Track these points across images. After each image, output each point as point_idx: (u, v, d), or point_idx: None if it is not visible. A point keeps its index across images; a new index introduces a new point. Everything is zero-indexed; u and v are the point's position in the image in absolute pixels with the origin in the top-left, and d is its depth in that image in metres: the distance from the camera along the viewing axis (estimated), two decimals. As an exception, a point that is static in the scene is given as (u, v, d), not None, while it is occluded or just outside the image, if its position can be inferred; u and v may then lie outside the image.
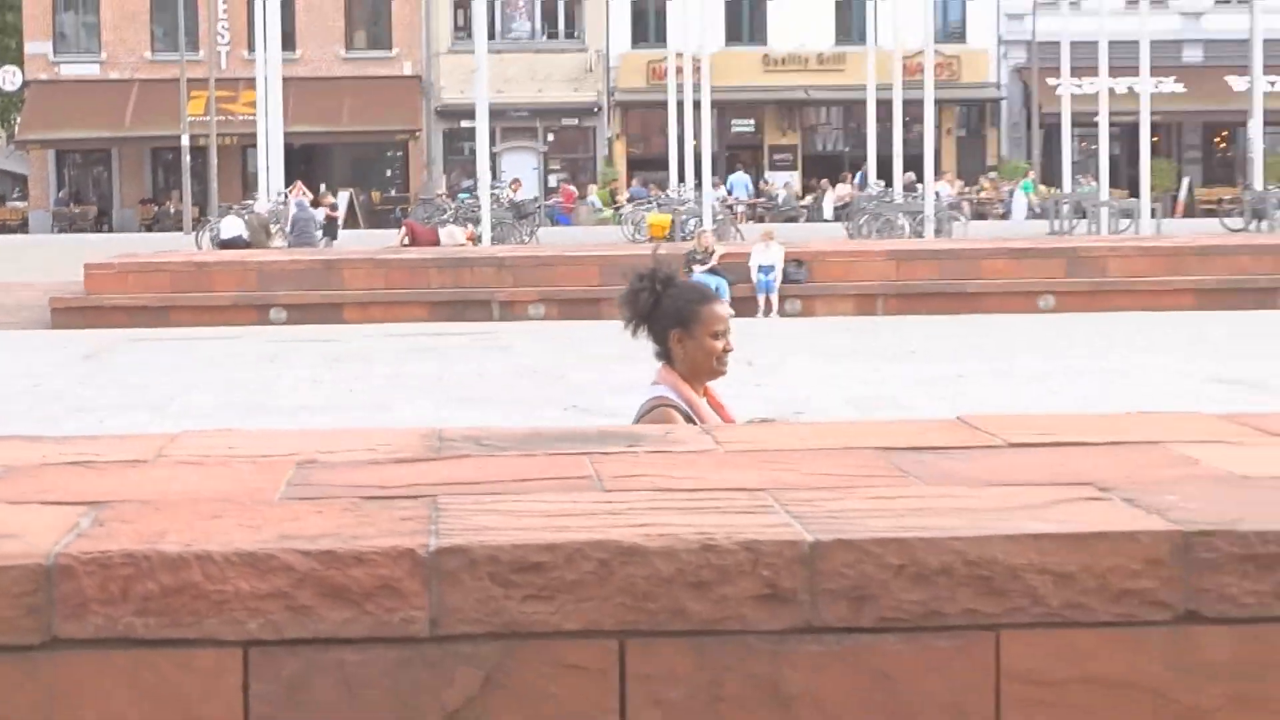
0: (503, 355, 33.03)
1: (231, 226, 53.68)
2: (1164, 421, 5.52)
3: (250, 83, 63.24)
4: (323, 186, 70.53)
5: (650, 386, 8.14)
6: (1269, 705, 3.76)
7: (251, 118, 61.90)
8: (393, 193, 78.10)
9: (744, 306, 42.45)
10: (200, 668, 3.61)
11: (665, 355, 8.15)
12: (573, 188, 76.57)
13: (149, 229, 74.29)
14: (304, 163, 70.37)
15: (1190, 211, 67.81)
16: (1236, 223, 57.05)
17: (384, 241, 54.91)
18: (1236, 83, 66.85)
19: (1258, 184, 58.10)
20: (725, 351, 8.15)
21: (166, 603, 3.60)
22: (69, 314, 41.44)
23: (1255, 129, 59.29)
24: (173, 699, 3.61)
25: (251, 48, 63.31)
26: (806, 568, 3.68)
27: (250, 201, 58.96)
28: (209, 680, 3.61)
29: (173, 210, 76.73)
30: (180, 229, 67.97)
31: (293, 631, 3.61)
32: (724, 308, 8.29)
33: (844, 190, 68.41)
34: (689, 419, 7.63)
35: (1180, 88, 72.36)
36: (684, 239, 49.82)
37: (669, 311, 8.10)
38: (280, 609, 3.61)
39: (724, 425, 7.30)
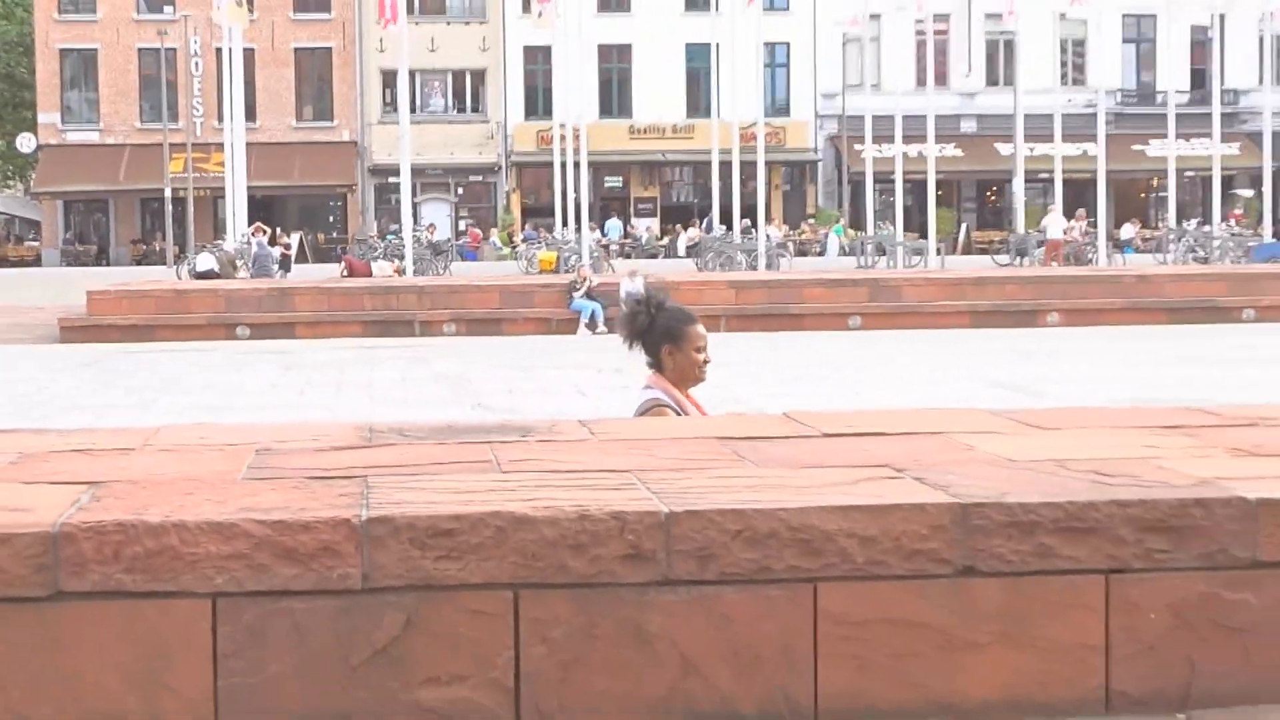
0: (422, 365, 32.91)
1: (205, 261, 53.44)
2: (947, 417, 5.54)
3: (219, 146, 63.13)
4: (278, 229, 70.24)
5: (644, 390, 8.10)
6: (1028, 640, 3.78)
7: (220, 174, 61.78)
8: (334, 234, 77.86)
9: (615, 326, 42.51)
10: (177, 615, 3.60)
11: (657, 365, 8.11)
12: (478, 230, 76.47)
13: (139, 263, 73.86)
14: (263, 210, 70.10)
15: (968, 250, 68.16)
16: (1004, 259, 57.38)
17: (327, 273, 54.82)
18: (1003, 148, 67.19)
19: (1020, 228, 58.50)
20: (705, 362, 8.13)
21: (150, 562, 3.59)
22: (74, 331, 41.23)
23: (1018, 185, 59.68)
24: (155, 640, 3.60)
25: (220, 119, 63.11)
26: (663, 533, 3.69)
27: (220, 241, 58.70)
28: (184, 625, 3.60)
29: (158, 248, 76.30)
30: (164, 263, 67.57)
31: (252, 585, 3.60)
32: (702, 329, 8.24)
33: (693, 233, 68.44)
34: (678, 414, 7.67)
35: (959, 152, 72.72)
36: (566, 272, 49.82)
37: (662, 330, 8.08)
38: (242, 567, 3.60)
39: (697, 418, 7.38)
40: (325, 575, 3.62)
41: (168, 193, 72.66)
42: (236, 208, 57.00)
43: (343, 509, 3.72)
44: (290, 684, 3.62)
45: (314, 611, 3.62)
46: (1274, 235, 58.99)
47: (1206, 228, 59.00)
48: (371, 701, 3.63)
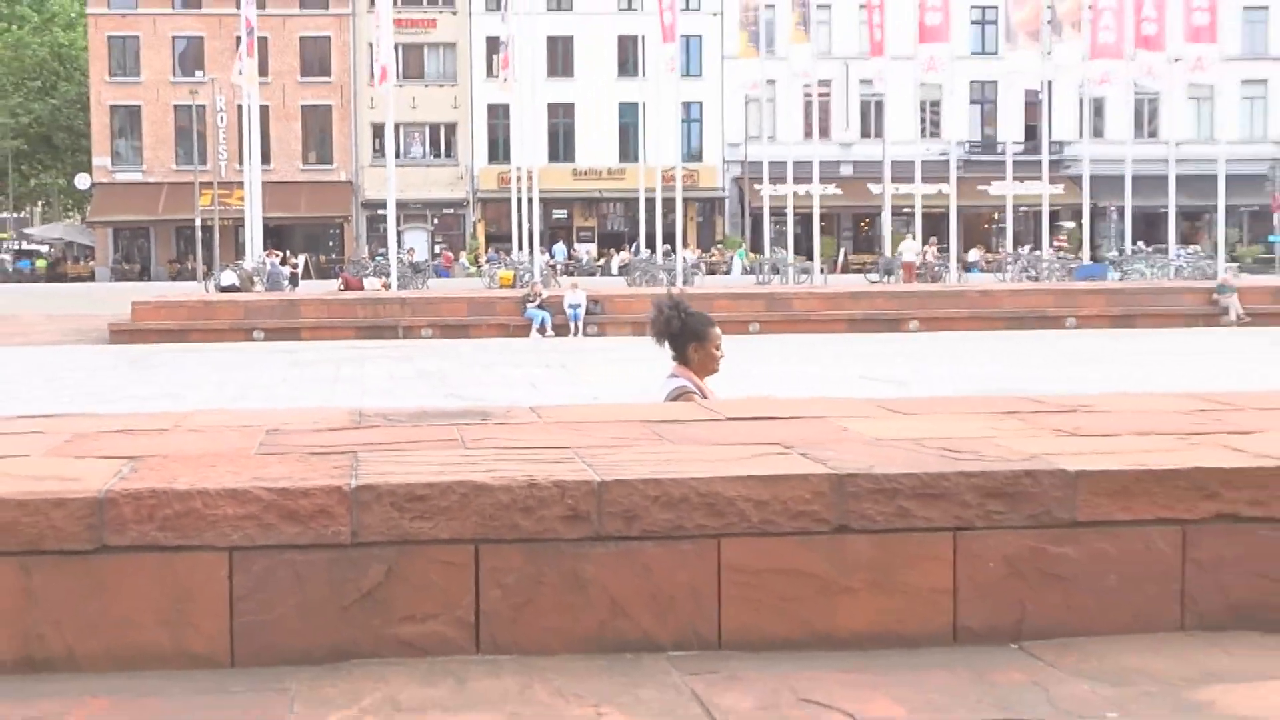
0: (405, 362, 32.85)
1: (228, 278, 53.26)
2: (827, 404, 5.54)
3: (240, 185, 62.97)
4: (288, 252, 70.22)
5: (670, 378, 8.17)
6: (891, 585, 3.78)
7: (241, 207, 61.60)
8: (333, 256, 77.54)
9: (561, 330, 42.45)
10: (200, 565, 3.58)
11: (683, 359, 8.20)
12: (450, 253, 76.38)
13: (174, 279, 73.48)
14: (275, 236, 70.02)
15: (845, 270, 68.32)
16: (875, 277, 57.51)
17: (327, 288, 54.65)
18: (874, 188, 67.32)
19: (887, 252, 58.69)
20: (721, 357, 8.24)
21: (178, 522, 3.57)
22: (121, 334, 41.03)
23: (886, 217, 59.86)
24: (183, 586, 3.58)
25: (241, 162, 62.84)
26: (596, 498, 3.69)
27: (241, 261, 58.52)
28: (206, 574, 3.58)
29: (189, 267, 75.83)
30: (194, 279, 67.22)
31: (261, 541, 3.58)
32: (718, 330, 8.38)
33: (624, 255, 68.47)
34: (701, 397, 7.75)
35: (838, 191, 72.91)
36: (522, 287, 49.73)
37: (689, 330, 8.19)
38: (253, 526, 3.58)
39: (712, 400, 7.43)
40: (321, 532, 3.60)
41: (198, 222, 72.36)
42: (254, 234, 57.01)
43: (336, 478, 3.71)
44: (292, 622, 3.60)
45: (312, 562, 3.60)
46: (1091, 258, 59.29)
47: (1037, 252, 59.22)
48: (359, 636, 3.62)
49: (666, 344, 8.21)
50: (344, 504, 3.61)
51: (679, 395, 7.85)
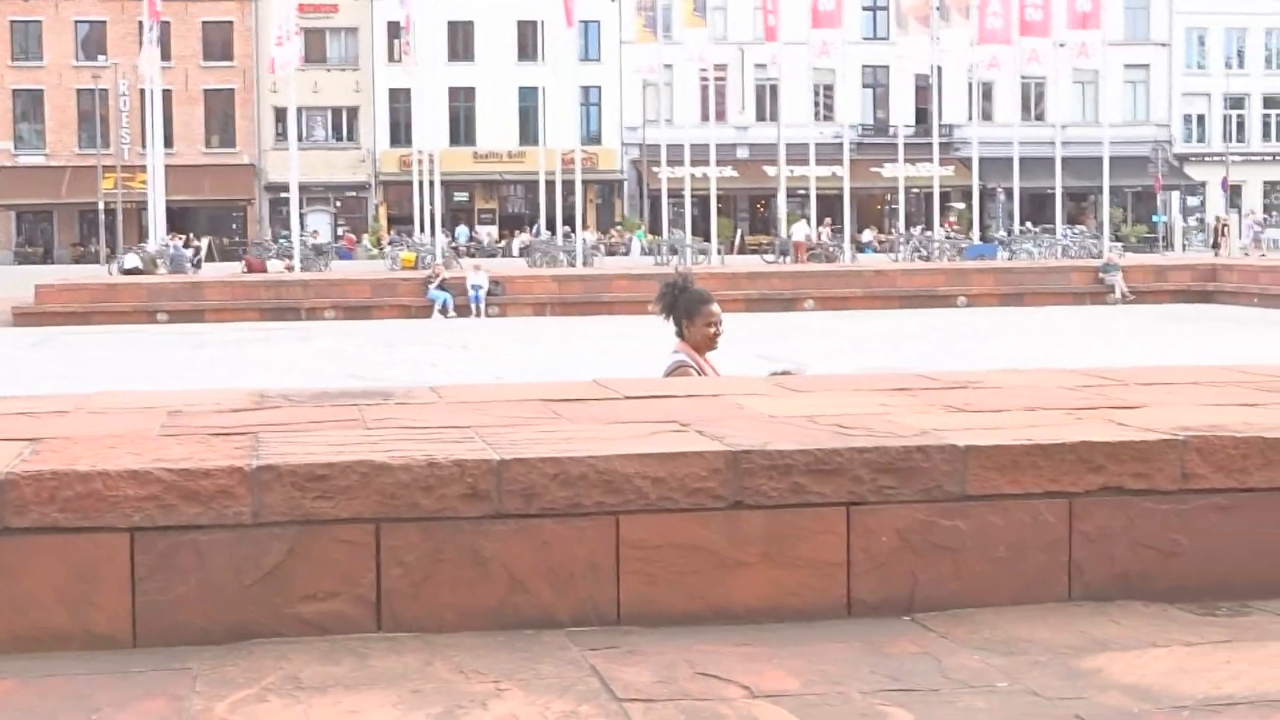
0: (307, 343, 32.69)
1: (131, 260, 52.71)
2: (723, 382, 5.55)
3: (143, 168, 62.38)
4: (191, 235, 69.66)
5: (672, 354, 8.29)
6: (785, 559, 3.79)
7: (144, 191, 61.08)
8: (236, 239, 76.85)
9: (463, 311, 42.33)
10: (102, 546, 3.54)
11: (680, 334, 8.33)
12: (352, 235, 75.97)
13: (77, 263, 72.53)
14: (179, 220, 69.38)
15: (742, 250, 68.36)
16: (771, 258, 57.64)
17: (231, 270, 54.22)
18: (770, 170, 67.45)
19: (783, 233, 58.86)
20: (716, 335, 8.32)
21: (80, 504, 3.53)
22: (25, 317, 40.58)
23: (781, 199, 60.09)
24: (85, 567, 3.53)
25: (144, 146, 62.19)
26: (496, 476, 3.67)
27: (144, 244, 57.97)
28: (108, 554, 3.54)
29: (93, 250, 75.00)
30: (98, 262, 66.50)
31: (163, 521, 3.55)
32: (717, 307, 8.46)
33: (525, 237, 68.26)
34: (699, 373, 7.91)
35: (735, 173, 73.01)
36: (424, 268, 49.50)
37: (683, 308, 8.32)
38: (154, 507, 3.55)
39: (714, 377, 7.54)
40: (222, 513, 3.57)
41: (101, 205, 71.66)
42: (157, 217, 56.60)
43: (237, 459, 3.68)
44: (194, 601, 3.57)
45: (213, 542, 3.57)
46: (981, 238, 59.73)
47: (928, 233, 59.62)
48: (261, 615, 3.59)
49: (670, 320, 8.33)
50: (245, 484, 3.58)
51: (675, 370, 7.95)
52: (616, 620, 3.72)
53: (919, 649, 3.56)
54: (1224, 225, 68.01)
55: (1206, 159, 78.41)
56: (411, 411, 4.67)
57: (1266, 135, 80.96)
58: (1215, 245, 67.22)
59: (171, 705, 3.16)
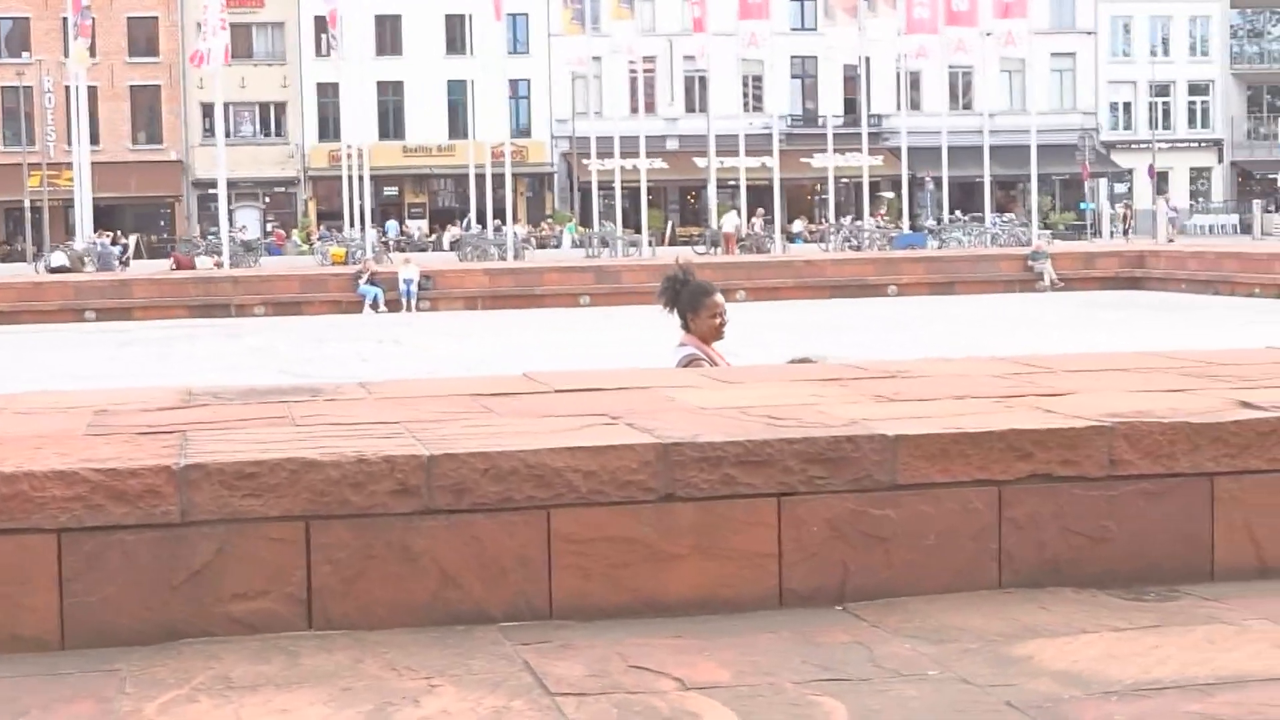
0: (237, 340, 32.54)
1: (58, 258, 52.33)
2: (654, 375, 5.55)
3: (69, 165, 61.84)
4: (118, 232, 69.11)
5: (678, 346, 8.28)
6: (717, 550, 3.79)
7: (70, 188, 60.55)
8: (164, 236, 76.24)
9: (394, 306, 42.22)
10: (30, 547, 3.50)
11: (686, 326, 8.32)
12: (282, 231, 75.56)
13: (3, 261, 71.97)
14: (106, 217, 68.84)
15: (673, 242, 68.35)
16: (701, 249, 57.71)
17: (159, 267, 53.87)
18: (699, 161, 67.48)
19: (714, 225, 58.95)
20: (721, 325, 8.29)
21: (6, 505, 3.50)
22: (-51, 317, 40.28)
23: (711, 190, 60.18)
24: (12, 569, 3.50)
25: (69, 142, 61.72)
26: (426, 472, 3.66)
27: (71, 242, 57.55)
28: (36, 555, 3.51)
29: (19, 248, 74.33)
30: (24, 261, 65.96)
31: (90, 522, 3.52)
32: (720, 297, 8.43)
33: (455, 231, 68.02)
34: (709, 364, 7.86)
35: (665, 165, 72.96)
36: (354, 263, 49.32)
37: (686, 300, 8.29)
38: (81, 507, 3.52)
39: (722, 368, 7.48)
40: (150, 512, 3.55)
41: (26, 203, 71.00)
42: (83, 215, 56.23)
43: (164, 458, 3.65)
44: (123, 602, 3.55)
45: (141, 542, 3.55)
46: (911, 228, 59.99)
47: (858, 222, 59.85)
48: (190, 614, 3.57)
49: (674, 312, 8.35)
50: (172, 483, 3.56)
51: (687, 363, 7.95)
52: (549, 614, 3.72)
53: (851, 638, 3.57)
54: (1129, 212, 68.79)
55: (1133, 146, 78.97)
56: (341, 408, 4.65)
57: (1192, 122, 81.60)
58: (1125, 233, 67.78)
59: (100, 707, 3.13)
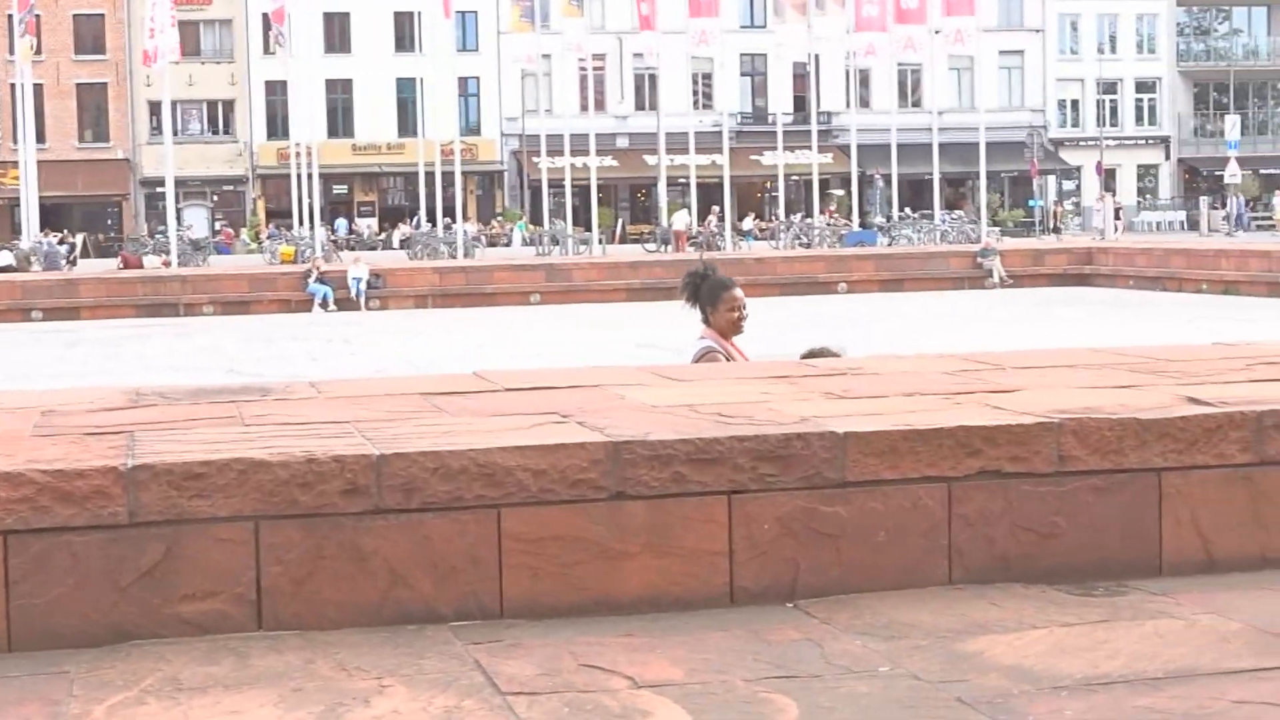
0: (186, 339, 32.40)
1: (4, 258, 52.01)
2: (604, 372, 5.55)
3: (15, 164, 61.54)
4: (65, 231, 68.73)
5: (699, 340, 8.41)
6: (668, 549, 3.79)
7: (16, 187, 60.18)
8: (112, 235, 75.86)
9: (344, 305, 42.09)
10: (-25, 549, 3.49)
11: (706, 320, 8.45)
12: (230, 230, 75.25)
13: (-51, 260, 71.63)
14: (53, 216, 68.46)
15: (624, 240, 68.37)
16: (652, 247, 57.71)
17: (107, 267, 53.57)
18: (650, 159, 67.49)
19: (664, 222, 58.96)
20: (739, 319, 8.43)
21: (-50, 507, 3.48)
22: (-105, 317, 40.01)
23: (662, 188, 60.18)
24: (-43, 570, 3.49)
25: (15, 141, 61.35)
26: (375, 471, 3.66)
27: (17, 241, 57.19)
28: (-19, 557, 3.50)
29: (-36, 248, 74.02)
30: (-30, 260, 65.58)
31: (37, 523, 3.50)
32: (739, 292, 8.55)
33: (405, 229, 67.86)
34: (727, 358, 8.02)
35: (615, 163, 72.95)
36: (303, 262, 49.16)
37: (705, 295, 8.42)
38: (28, 509, 3.50)
39: (740, 362, 7.73)
40: (98, 513, 3.53)
41: (-28, 202, 70.64)
42: (30, 214, 55.89)
43: (112, 459, 3.63)
44: (70, 603, 3.53)
45: (89, 543, 3.53)
46: (861, 225, 60.14)
47: (809, 220, 59.94)
48: (139, 616, 3.55)
49: (694, 307, 8.45)
50: (120, 484, 3.54)
51: (703, 356, 8.07)
52: (500, 614, 3.72)
53: (801, 635, 3.57)
54: (1059, 209, 69.27)
55: (1081, 143, 79.34)
56: (290, 407, 4.64)
57: (1139, 119, 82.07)
58: (1055, 230, 68.18)
59: (47, 710, 3.12)
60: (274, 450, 3.70)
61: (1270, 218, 71.97)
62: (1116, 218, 64.61)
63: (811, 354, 7.66)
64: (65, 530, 3.52)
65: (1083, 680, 3.20)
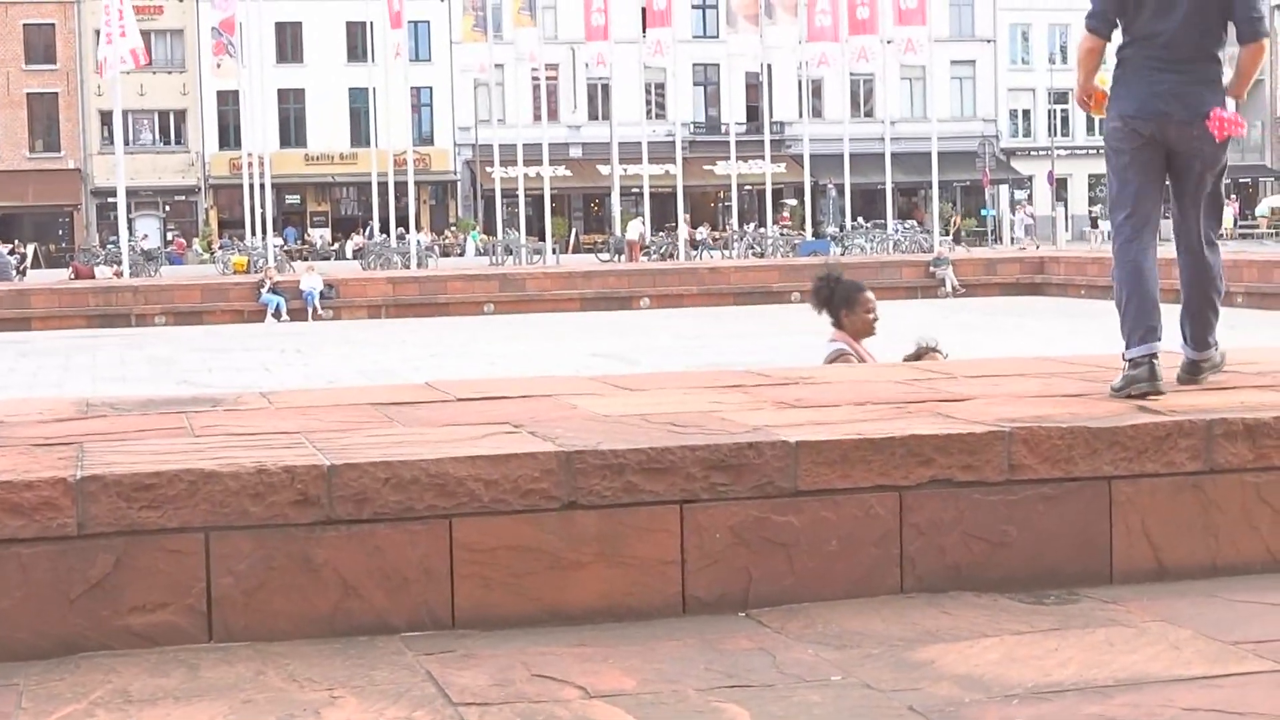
0: (137, 350, 32.18)
1: (-46, 269, 51.69)
2: (557, 382, 5.55)
3: (-36, 174, 61.19)
4: (16, 241, 68.41)
5: (830, 342, 8.42)
6: (620, 558, 3.79)
7: (-34, 197, 59.91)
8: (63, 245, 75.53)
9: (296, 315, 41.96)
10: (-78, 562, 3.46)
11: (838, 324, 8.46)
12: (183, 240, 74.96)
13: (-102, 271, 71.15)
14: (4, 226, 68.23)
15: (577, 249, 68.28)
16: (606, 256, 57.62)
17: (58, 277, 53.27)
18: (603, 169, 67.46)
19: (618, 232, 58.95)
20: (874, 320, 8.47)
21: (-103, 519, 3.45)
22: None
23: (615, 198, 60.15)
24: (-96, 583, 3.46)
25: (-35, 151, 61.06)
26: (326, 482, 3.64)
27: (-33, 252, 56.92)
28: (-72, 570, 3.47)
29: (-86, 258, 73.56)
30: (-81, 271, 65.15)
31: (-16, 535, 3.48)
32: (871, 294, 8.60)
33: (358, 239, 67.68)
34: (858, 359, 8.06)
35: (568, 172, 72.92)
36: (256, 272, 48.96)
37: (840, 299, 8.44)
38: (-25, 521, 3.48)
39: (869, 363, 7.77)
40: (47, 525, 3.51)
41: (-78, 212, 70.20)
42: (-21, 225, 55.58)
43: (60, 470, 3.61)
44: (19, 615, 3.50)
45: (37, 555, 3.51)
46: (814, 234, 60.22)
47: (762, 229, 59.99)
48: (88, 628, 3.53)
49: (825, 313, 8.49)
50: (69, 495, 3.52)
51: (835, 358, 8.12)
52: (451, 624, 3.71)
53: (754, 645, 3.58)
54: (956, 219, 69.83)
55: (1033, 153, 79.72)
56: (241, 418, 4.62)
57: (1090, 129, 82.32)
58: (956, 240, 68.57)
59: (-4, 723, 3.10)
60: (224, 461, 3.68)
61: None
62: (1026, 233, 65.14)
63: (918, 354, 7.89)
64: (13, 542, 3.50)
65: (1034, 688, 3.21)
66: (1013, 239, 65.42)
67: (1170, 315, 5.16)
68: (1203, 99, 5.42)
